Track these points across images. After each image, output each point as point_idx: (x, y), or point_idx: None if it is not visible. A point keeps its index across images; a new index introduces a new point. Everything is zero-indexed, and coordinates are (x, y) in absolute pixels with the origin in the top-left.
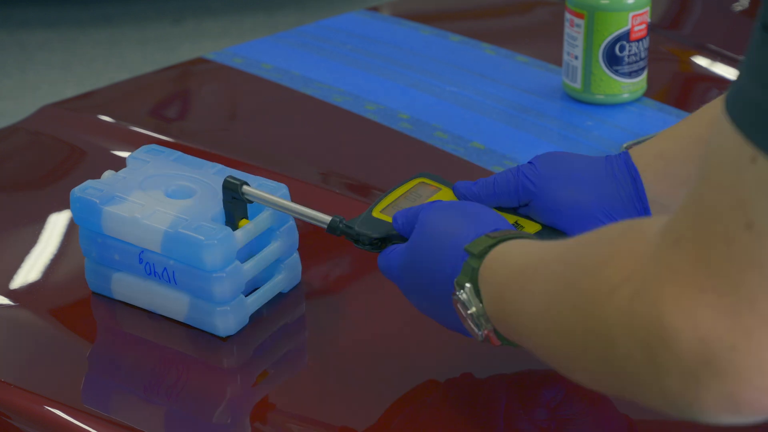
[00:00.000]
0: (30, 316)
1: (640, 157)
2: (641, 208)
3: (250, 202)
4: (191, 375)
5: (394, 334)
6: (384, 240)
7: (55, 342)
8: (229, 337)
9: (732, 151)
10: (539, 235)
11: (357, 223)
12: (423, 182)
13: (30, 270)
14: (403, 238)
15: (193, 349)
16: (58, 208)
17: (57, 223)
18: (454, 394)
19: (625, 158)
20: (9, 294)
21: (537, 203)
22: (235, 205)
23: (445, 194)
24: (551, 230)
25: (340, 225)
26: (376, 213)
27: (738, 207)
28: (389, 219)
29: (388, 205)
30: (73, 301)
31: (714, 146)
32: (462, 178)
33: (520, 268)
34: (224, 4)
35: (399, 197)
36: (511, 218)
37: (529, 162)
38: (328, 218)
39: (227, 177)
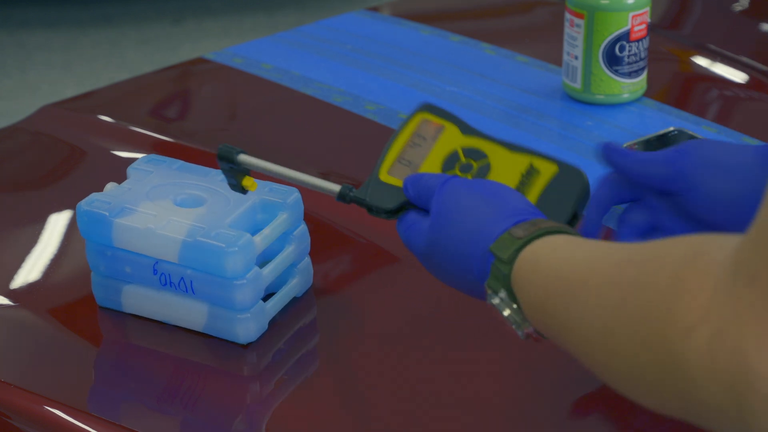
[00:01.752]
0: (30, 316)
1: None
2: None
3: (248, 172)
4: (206, 383)
5: (407, 334)
6: (399, 209)
7: (56, 342)
8: (249, 344)
9: None
10: (557, 178)
11: (368, 193)
12: (425, 119)
13: (30, 270)
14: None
15: (211, 357)
16: (58, 208)
17: (57, 223)
18: (471, 397)
19: None
20: (9, 294)
21: (691, 194)
22: (234, 172)
23: (451, 131)
24: (570, 168)
25: (350, 194)
26: (384, 176)
27: None
28: (399, 183)
29: (395, 162)
30: (74, 301)
31: None
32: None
33: (561, 276)
34: (224, 4)
35: (404, 147)
36: (525, 159)
37: (680, 148)
38: (337, 187)
39: (221, 145)
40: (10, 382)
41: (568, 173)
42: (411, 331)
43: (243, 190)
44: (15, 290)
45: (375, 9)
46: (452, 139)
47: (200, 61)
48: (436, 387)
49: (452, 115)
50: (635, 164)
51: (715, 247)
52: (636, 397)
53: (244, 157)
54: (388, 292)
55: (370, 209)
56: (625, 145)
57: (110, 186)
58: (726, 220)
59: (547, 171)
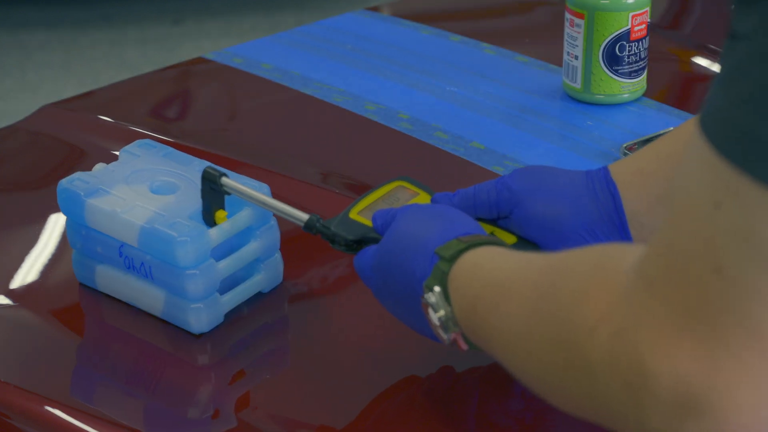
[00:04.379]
0: (29, 315)
1: (618, 173)
2: (620, 225)
3: (228, 194)
4: (169, 371)
5: (373, 335)
6: (359, 242)
7: (56, 342)
8: (203, 334)
9: (697, 195)
10: (515, 247)
11: (333, 223)
12: (402, 186)
13: (30, 270)
14: (378, 241)
15: (170, 345)
16: (58, 208)
17: (57, 223)
18: (433, 393)
19: (604, 174)
20: (8, 294)
21: (516, 216)
22: (213, 196)
23: (423, 199)
24: (527, 243)
25: (317, 224)
26: (353, 214)
27: (707, 252)
28: (366, 221)
29: (366, 207)
30: (73, 302)
31: (680, 187)
32: (462, 177)
33: (492, 281)
34: (224, 4)
35: (377, 200)
36: (488, 228)
37: (509, 174)
38: (305, 216)
39: (207, 167)
40: (9, 382)
41: (524, 245)
42: (393, 334)
43: (213, 222)
44: (15, 290)
45: (375, 9)
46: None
47: (200, 61)
48: (405, 383)
49: (428, 187)
50: (466, 210)
51: (623, 255)
52: (551, 399)
53: (226, 180)
54: (364, 293)
55: (333, 240)
56: (625, 145)
57: (99, 166)
58: (548, 241)
59: (506, 240)
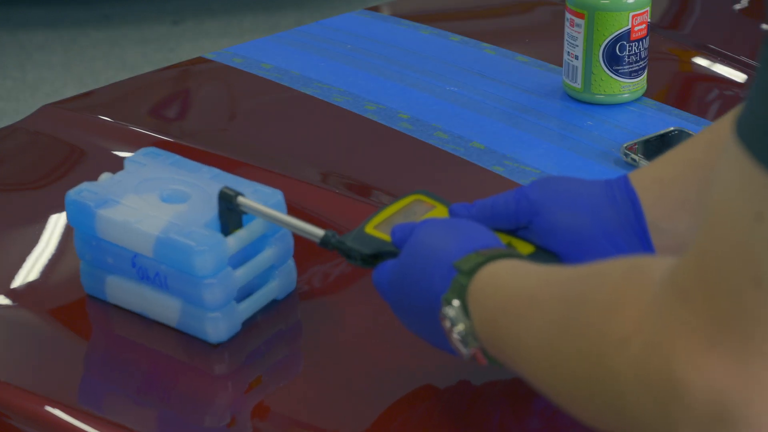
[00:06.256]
0: (29, 316)
1: (638, 180)
2: (640, 232)
3: (245, 213)
4: (184, 380)
5: (389, 341)
6: (376, 256)
7: (56, 342)
8: (220, 343)
9: (736, 205)
10: (533, 257)
11: (349, 238)
12: (419, 199)
13: (30, 270)
14: (396, 255)
15: (185, 354)
16: (58, 208)
17: (57, 224)
18: (449, 402)
19: (624, 182)
20: (8, 294)
21: (535, 227)
22: (230, 215)
23: (440, 212)
24: (545, 252)
25: (332, 240)
26: (369, 229)
27: (746, 263)
28: (382, 235)
29: (382, 222)
30: (72, 301)
31: (716, 196)
32: (462, 178)
33: (514, 293)
34: (224, 4)
35: (394, 214)
36: (505, 238)
37: (528, 185)
38: (321, 232)
39: (223, 188)
40: (9, 382)
41: (543, 255)
42: (396, 337)
43: None
44: (15, 290)
45: (375, 9)
46: (441, 216)
47: (200, 61)
48: (421, 391)
49: (445, 200)
50: (484, 221)
51: (654, 266)
52: (576, 412)
53: (242, 200)
54: (376, 299)
55: (349, 255)
56: (625, 145)
57: (104, 176)
58: (568, 251)
59: (524, 249)
